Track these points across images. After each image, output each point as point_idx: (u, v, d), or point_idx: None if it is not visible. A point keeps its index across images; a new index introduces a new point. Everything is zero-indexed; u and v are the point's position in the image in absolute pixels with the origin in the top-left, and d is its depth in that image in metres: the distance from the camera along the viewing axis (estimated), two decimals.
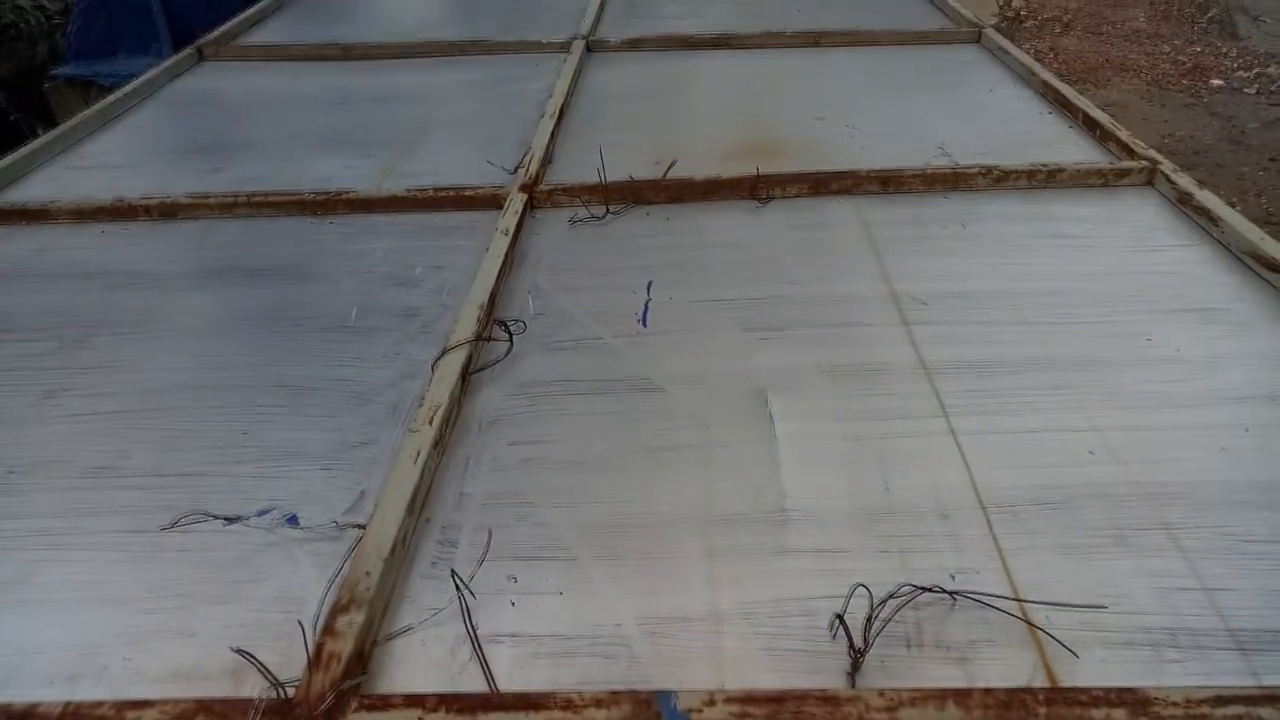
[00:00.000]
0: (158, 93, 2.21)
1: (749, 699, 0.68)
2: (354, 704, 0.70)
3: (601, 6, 2.74)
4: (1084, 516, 0.88)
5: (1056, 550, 0.84)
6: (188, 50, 2.42)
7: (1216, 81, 2.45)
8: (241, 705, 0.70)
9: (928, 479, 0.93)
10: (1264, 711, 0.66)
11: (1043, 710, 0.67)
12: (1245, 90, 2.40)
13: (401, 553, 0.86)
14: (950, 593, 0.78)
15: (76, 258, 1.47)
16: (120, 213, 1.59)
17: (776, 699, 0.68)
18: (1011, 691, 0.68)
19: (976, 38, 2.36)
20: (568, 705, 0.69)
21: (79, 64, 3.41)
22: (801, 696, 0.68)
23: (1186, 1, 3.23)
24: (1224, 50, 2.71)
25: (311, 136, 1.93)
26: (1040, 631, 0.76)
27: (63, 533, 0.92)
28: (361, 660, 0.75)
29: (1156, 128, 2.23)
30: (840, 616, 0.74)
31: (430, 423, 1.00)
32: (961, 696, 0.68)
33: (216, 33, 2.54)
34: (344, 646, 0.73)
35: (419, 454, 0.95)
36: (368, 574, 0.81)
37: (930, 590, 0.78)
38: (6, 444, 1.05)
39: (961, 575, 0.82)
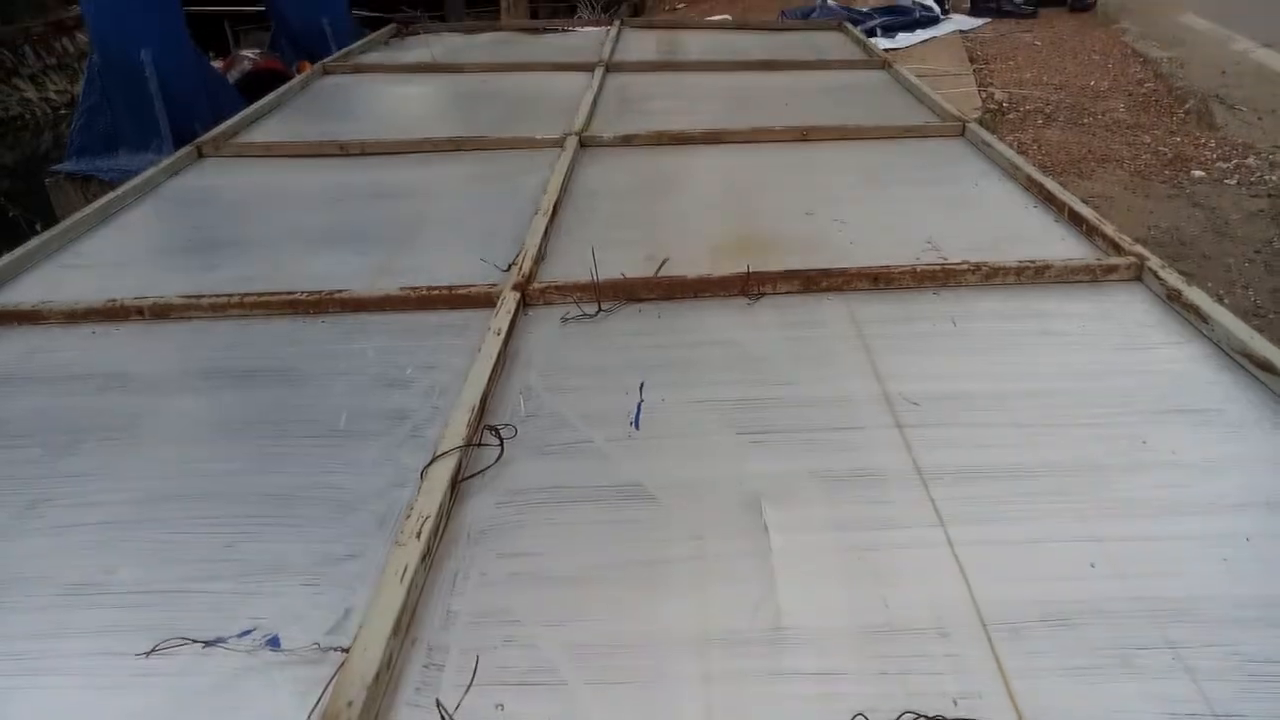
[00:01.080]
0: (156, 190, 2.24)
1: None
2: None
3: (594, 103, 2.80)
4: (1088, 635, 0.85)
5: (1061, 672, 0.82)
6: (187, 148, 2.46)
7: (1198, 172, 2.50)
8: None
9: (926, 594, 0.91)
10: None
11: None
12: (1226, 181, 2.45)
13: (386, 678, 0.83)
14: None
15: (66, 360, 1.46)
16: (112, 314, 1.58)
17: None
18: None
19: (961, 131, 2.42)
20: None
21: (80, 160, 3.46)
22: None
23: (1164, 92, 3.32)
24: (1203, 140, 2.78)
25: (307, 234, 1.95)
26: None
27: (38, 656, 0.89)
28: None
29: (1141, 219, 2.27)
30: None
31: (418, 535, 0.98)
32: None
33: (216, 130, 2.59)
34: None
35: (405, 570, 0.92)
36: (349, 704, 0.78)
37: None
38: None
39: (964, 700, 0.79)
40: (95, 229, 2.01)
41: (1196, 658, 0.82)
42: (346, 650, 0.86)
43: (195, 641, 0.89)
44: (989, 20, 4.84)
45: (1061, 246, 1.69)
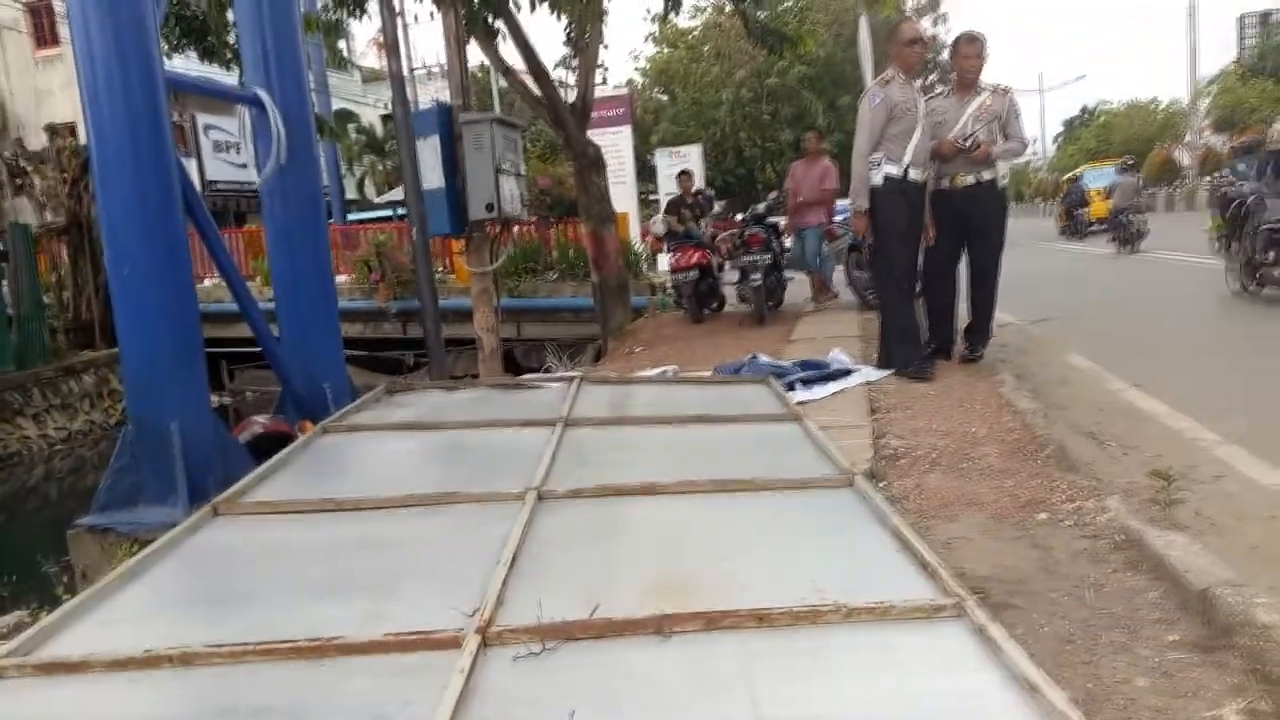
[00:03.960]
0: (178, 548, 2.65)
1: None
2: None
3: (553, 458, 3.34)
4: None
5: None
6: (205, 508, 2.91)
7: (1042, 515, 3.02)
8: None
9: None
10: None
11: None
12: (1063, 523, 2.95)
13: None
14: None
15: (109, 708, 1.81)
16: (147, 663, 1.94)
17: None
18: None
19: (850, 483, 2.96)
20: None
21: (101, 514, 3.93)
22: None
23: (1029, 440, 3.97)
24: (1056, 482, 3.34)
25: (308, 585, 2.36)
26: None
27: None
28: None
29: (989, 558, 2.73)
30: None
31: None
32: None
33: (230, 491, 3.06)
34: None
35: None
36: None
37: None
38: None
39: None
40: (127, 585, 2.40)
41: None
42: None
43: None
44: (893, 371, 5.68)
45: (910, 588, 2.13)
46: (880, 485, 3.49)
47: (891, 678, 1.76)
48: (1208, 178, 25.45)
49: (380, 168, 32.60)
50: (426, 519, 2.84)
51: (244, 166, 26.42)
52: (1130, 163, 23.01)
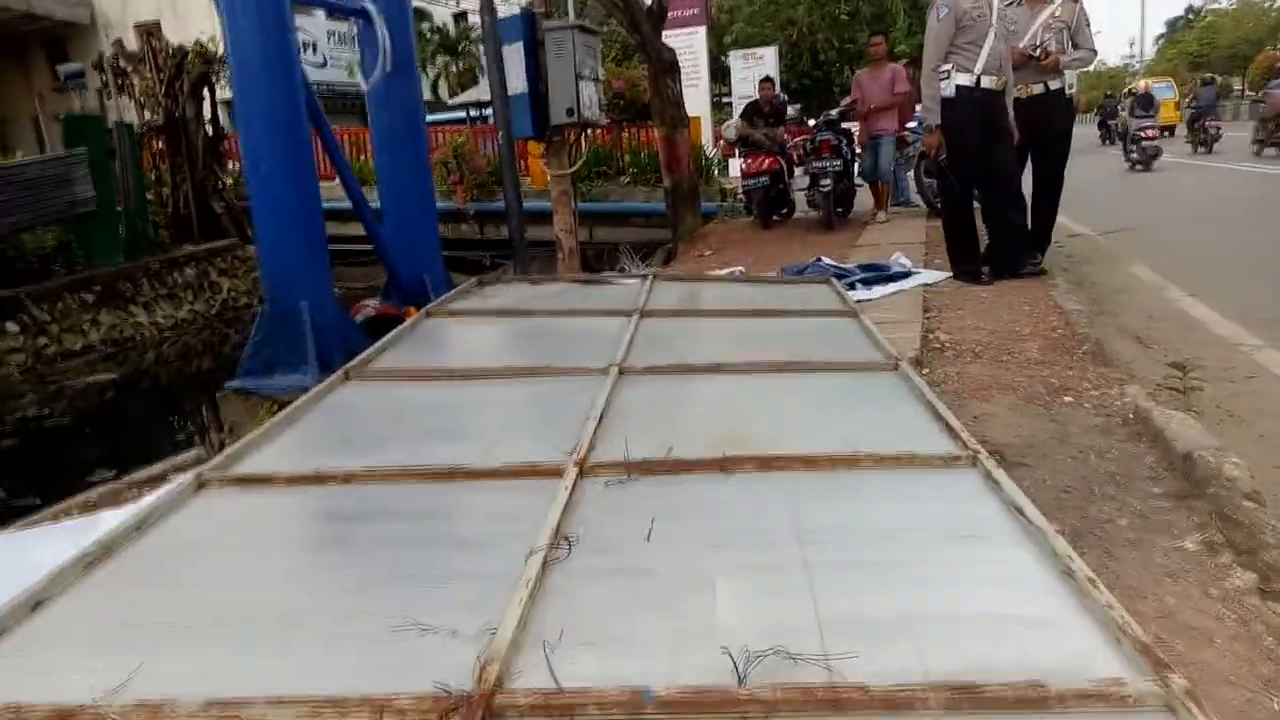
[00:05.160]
0: (322, 402, 3.19)
1: None
2: None
3: (631, 341, 3.77)
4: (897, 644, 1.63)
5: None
6: (338, 374, 3.43)
7: (1068, 398, 3.34)
8: None
9: (785, 609, 1.70)
10: None
11: None
12: (1085, 405, 3.29)
13: None
14: None
15: (290, 510, 2.35)
16: (317, 479, 2.47)
17: None
18: None
19: (895, 367, 3.33)
20: None
21: (245, 379, 4.56)
22: None
23: (1069, 335, 4.26)
24: (1089, 374, 3.65)
25: (433, 432, 2.87)
26: None
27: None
28: None
29: (1011, 429, 3.08)
30: None
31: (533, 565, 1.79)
32: None
33: (357, 360, 3.57)
34: None
35: (529, 581, 1.73)
36: None
37: None
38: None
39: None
40: (287, 428, 2.94)
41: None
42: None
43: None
44: (951, 275, 5.93)
45: (935, 443, 2.54)
46: (924, 372, 3.86)
47: (908, 506, 2.19)
48: None
49: (453, 69, 32.68)
50: (524, 387, 3.32)
51: (322, 66, 26.87)
52: (1138, 91, 27.47)
